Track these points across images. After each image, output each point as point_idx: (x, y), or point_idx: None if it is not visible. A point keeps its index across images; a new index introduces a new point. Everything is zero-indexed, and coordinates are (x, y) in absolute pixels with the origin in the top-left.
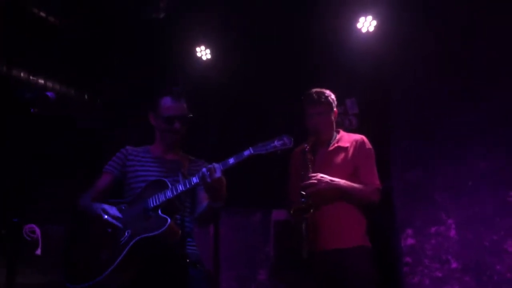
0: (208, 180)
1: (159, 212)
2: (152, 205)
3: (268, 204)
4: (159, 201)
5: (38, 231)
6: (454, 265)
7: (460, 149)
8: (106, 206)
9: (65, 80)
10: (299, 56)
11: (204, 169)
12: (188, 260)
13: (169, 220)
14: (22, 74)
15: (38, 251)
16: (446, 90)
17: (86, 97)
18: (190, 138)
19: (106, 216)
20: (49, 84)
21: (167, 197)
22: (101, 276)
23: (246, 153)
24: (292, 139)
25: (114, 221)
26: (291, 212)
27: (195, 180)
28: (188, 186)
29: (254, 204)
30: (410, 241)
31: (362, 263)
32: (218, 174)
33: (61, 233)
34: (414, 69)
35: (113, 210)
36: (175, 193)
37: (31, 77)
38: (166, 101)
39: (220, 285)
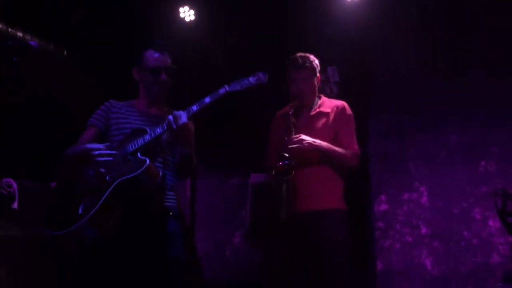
0: (174, 126)
1: (138, 155)
2: (131, 149)
3: (246, 167)
4: (138, 144)
5: (15, 185)
6: (424, 230)
7: (435, 121)
8: (89, 144)
9: (44, 34)
10: (282, 21)
11: (170, 116)
12: (171, 213)
13: (147, 160)
14: (0, 26)
15: (15, 205)
16: (427, 65)
17: (65, 53)
18: (174, 98)
19: (97, 152)
20: (28, 37)
21: (146, 140)
22: (80, 222)
23: (222, 91)
24: (267, 74)
25: (106, 151)
26: (272, 173)
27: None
28: (165, 127)
29: (232, 167)
30: (383, 206)
31: (337, 226)
32: (183, 119)
33: (38, 188)
34: (397, 41)
35: (98, 145)
36: (153, 135)
37: (9, 29)
38: (151, 53)
39: (196, 246)
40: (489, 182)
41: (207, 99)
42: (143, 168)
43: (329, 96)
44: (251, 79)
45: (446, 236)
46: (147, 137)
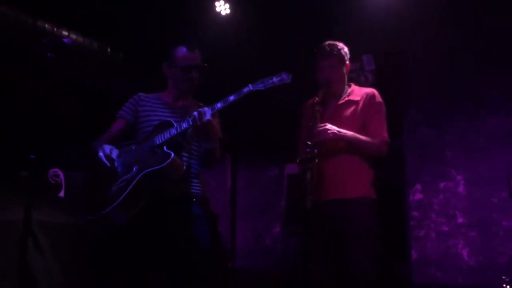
0: (199, 123)
1: (164, 148)
2: (158, 142)
3: (283, 159)
4: (164, 138)
5: (61, 175)
6: (460, 220)
7: (473, 108)
8: (105, 146)
9: (88, 33)
10: (318, 11)
11: (195, 113)
12: (194, 200)
13: (172, 154)
14: (46, 26)
15: (62, 194)
16: (463, 50)
17: (108, 51)
18: (206, 92)
19: (100, 153)
20: (73, 36)
21: (172, 134)
22: (109, 208)
23: (246, 89)
24: (291, 75)
25: (104, 160)
26: (297, 161)
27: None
28: (191, 123)
29: (269, 159)
30: (418, 196)
31: (363, 213)
32: (207, 116)
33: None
34: (433, 27)
35: (108, 150)
36: (179, 130)
37: (55, 29)
38: (182, 51)
39: (237, 236)
40: None
41: (232, 97)
42: (168, 162)
43: (364, 84)
44: (274, 79)
45: (484, 226)
46: (173, 131)
